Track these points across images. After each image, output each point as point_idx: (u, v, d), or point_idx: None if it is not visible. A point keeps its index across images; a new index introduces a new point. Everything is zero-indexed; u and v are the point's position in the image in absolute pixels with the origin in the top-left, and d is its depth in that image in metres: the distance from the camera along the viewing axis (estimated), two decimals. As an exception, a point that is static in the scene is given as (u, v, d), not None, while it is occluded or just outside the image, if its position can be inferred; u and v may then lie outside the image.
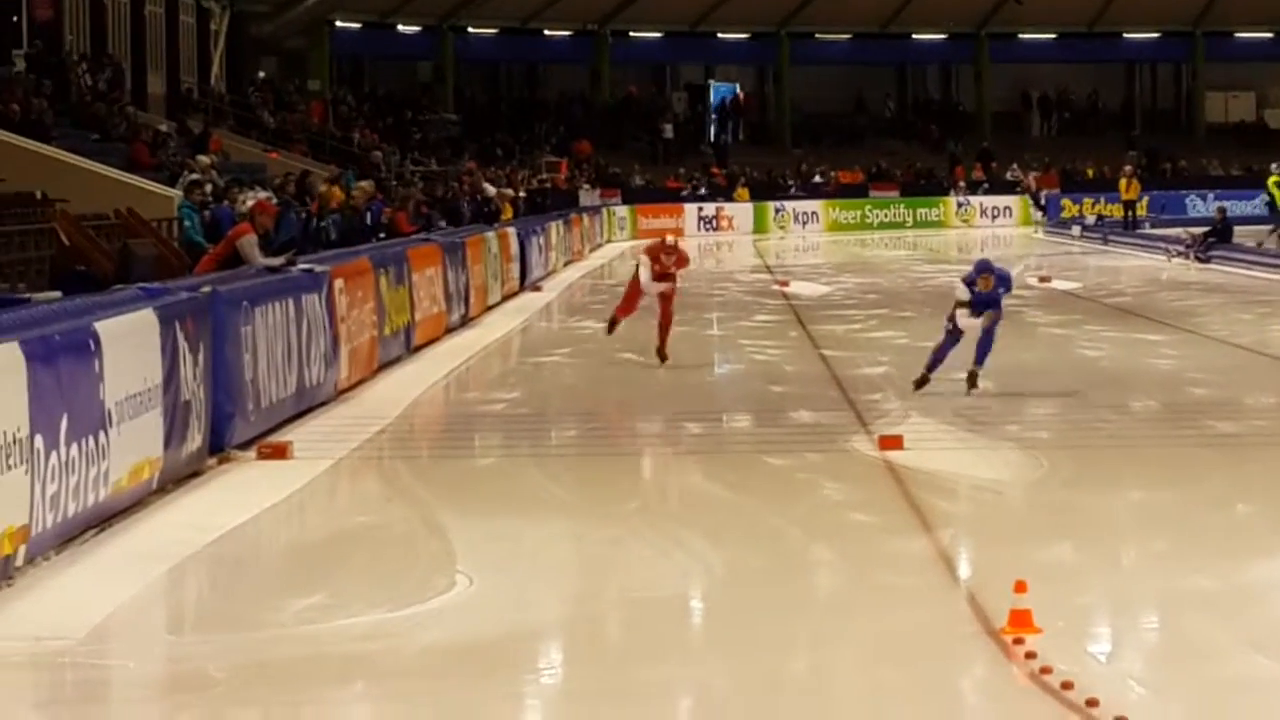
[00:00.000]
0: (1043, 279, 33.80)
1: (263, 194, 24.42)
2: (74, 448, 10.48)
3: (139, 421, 11.67)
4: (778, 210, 61.53)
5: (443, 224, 32.16)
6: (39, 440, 9.95)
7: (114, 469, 11.17)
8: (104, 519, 11.19)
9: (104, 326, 11.23)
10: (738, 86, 70.27)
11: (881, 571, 10.27)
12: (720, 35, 68.44)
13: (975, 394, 16.82)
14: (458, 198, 38.37)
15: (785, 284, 33.98)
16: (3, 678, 8.39)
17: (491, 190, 40.85)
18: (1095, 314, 27.11)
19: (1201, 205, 60.21)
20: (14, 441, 9.64)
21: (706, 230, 58.88)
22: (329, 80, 57.62)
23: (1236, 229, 41.96)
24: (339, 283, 17.81)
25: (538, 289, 33.77)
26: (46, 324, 10.65)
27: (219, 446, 13.74)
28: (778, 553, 10.82)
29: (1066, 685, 7.66)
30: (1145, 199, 57.44)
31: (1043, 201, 62.39)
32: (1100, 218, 57.60)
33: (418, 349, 21.98)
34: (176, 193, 27.26)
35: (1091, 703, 7.40)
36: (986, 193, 64.36)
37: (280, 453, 14.08)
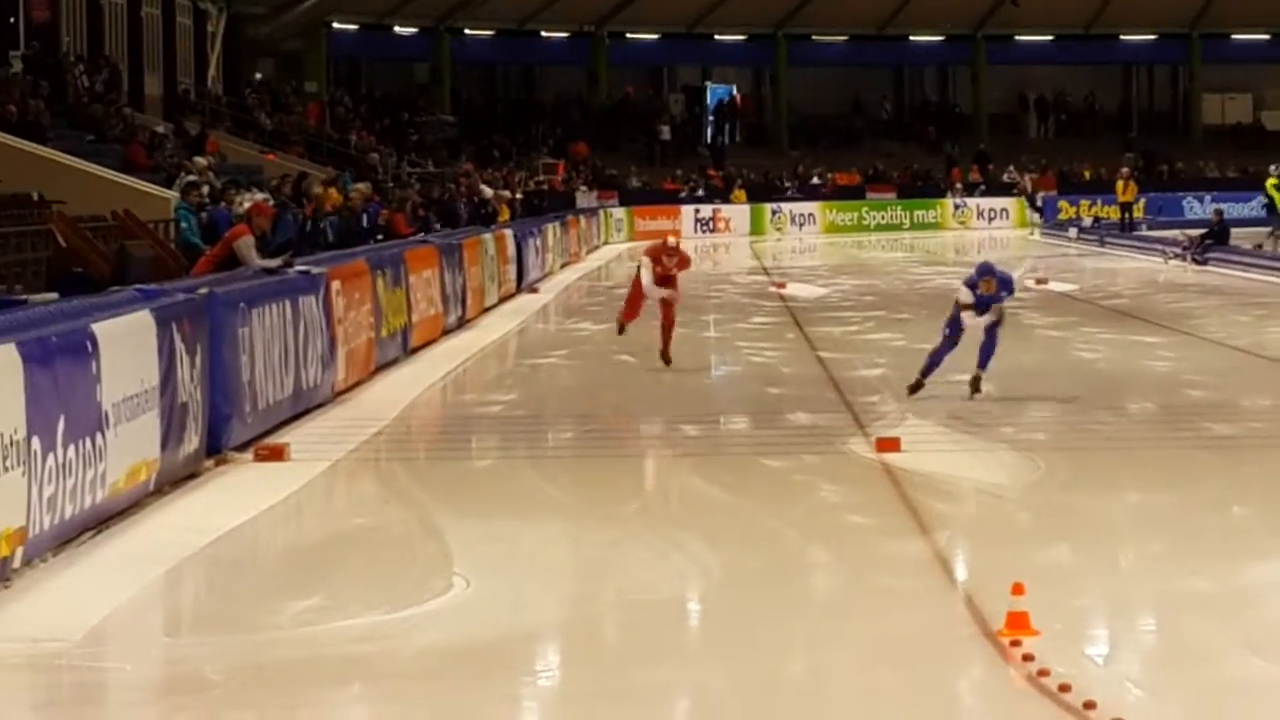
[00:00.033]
0: (1039, 281, 33.82)
1: (259, 196, 24.39)
2: (71, 450, 10.48)
3: (136, 423, 11.67)
4: (775, 212, 61.57)
5: (438, 225, 32.15)
6: (36, 442, 9.95)
7: (111, 471, 11.16)
8: (101, 521, 11.19)
9: (101, 328, 11.23)
10: (734, 88, 70.30)
11: (879, 573, 10.27)
12: (717, 37, 68.46)
13: (978, 398, 16.75)
14: (454, 199, 38.35)
15: (782, 286, 33.98)
16: (0, 679, 8.39)
17: (488, 192, 40.84)
18: (1092, 316, 27.12)
19: (1198, 207, 60.26)
20: (11, 443, 9.63)
21: (703, 232, 58.90)
22: (326, 82, 57.62)
23: (1234, 231, 41.99)
24: (336, 284, 17.81)
25: (535, 291, 33.77)
26: (43, 326, 10.64)
27: (216, 448, 13.74)
28: (775, 554, 10.82)
29: (1064, 687, 7.66)
30: (1142, 201, 57.46)
31: (1039, 203, 62.42)
32: (1097, 219, 57.62)
33: (415, 351, 21.98)
34: (173, 194, 27.24)
35: (1089, 705, 7.40)
36: (983, 195, 64.41)
37: (277, 454, 14.07)
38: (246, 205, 21.68)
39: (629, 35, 67.15)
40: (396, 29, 62.45)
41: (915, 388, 16.97)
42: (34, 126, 30.53)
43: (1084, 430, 15.53)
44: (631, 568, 10.56)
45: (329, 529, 12.24)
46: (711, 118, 69.43)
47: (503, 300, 30.66)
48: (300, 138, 47.26)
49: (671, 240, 21.02)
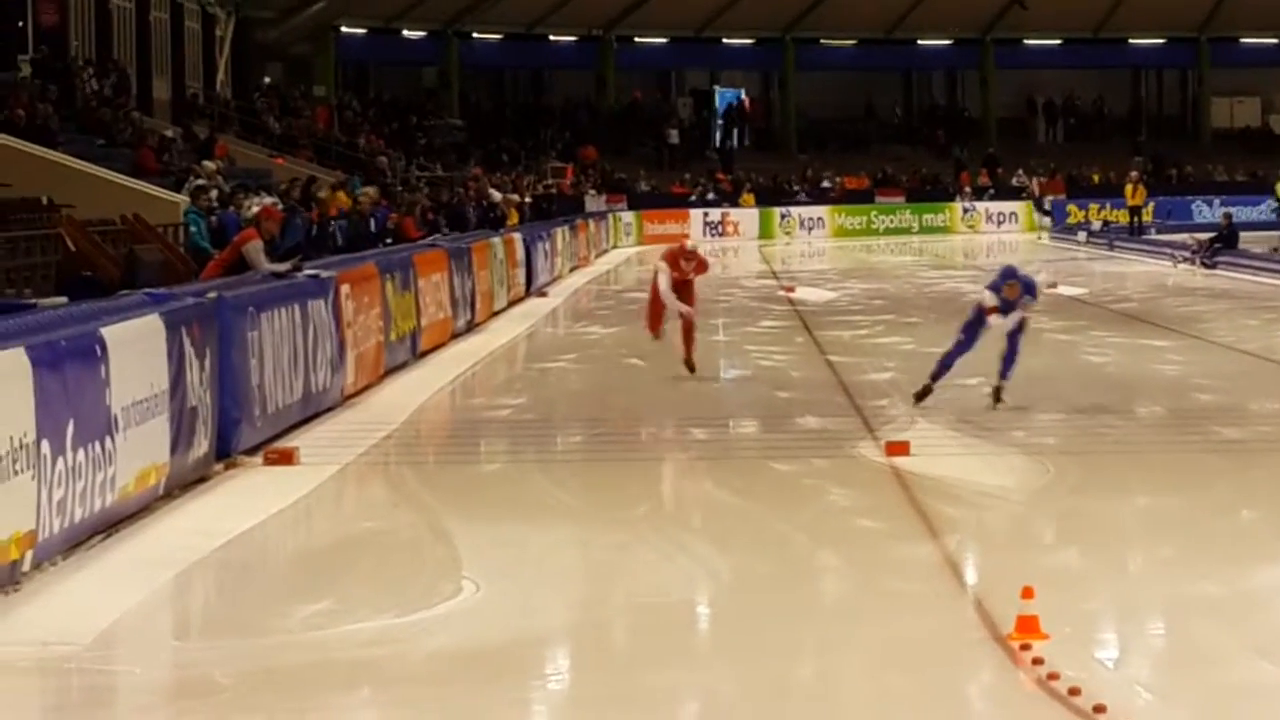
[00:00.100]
0: (1050, 285, 33.72)
1: (268, 199, 24.41)
2: (80, 453, 10.49)
3: (145, 427, 11.67)
4: (783, 216, 61.58)
5: (447, 229, 32.16)
6: (45, 446, 9.96)
7: (120, 474, 11.17)
8: (111, 524, 11.20)
9: (110, 332, 11.23)
10: (743, 92, 70.30)
11: (888, 577, 10.27)
12: (725, 41, 68.47)
13: (1001, 407, 16.54)
14: (463, 203, 38.39)
15: (791, 289, 33.98)
16: (9, 683, 8.40)
17: (497, 196, 40.85)
18: (1101, 319, 27.10)
19: (1207, 211, 60.19)
20: (20, 447, 9.64)
21: (712, 236, 58.90)
22: (334, 86, 57.68)
23: (1242, 234, 41.96)
24: (345, 288, 17.82)
25: (543, 295, 33.77)
26: (53, 330, 10.65)
27: (225, 452, 13.74)
28: (784, 558, 10.82)
29: (1074, 691, 7.66)
30: (1151, 204, 57.46)
31: (1048, 207, 62.40)
32: (1106, 223, 57.60)
33: (424, 354, 21.99)
34: (182, 198, 27.31)
35: (1099, 708, 7.40)
36: (992, 198, 64.38)
37: (287, 458, 14.08)
38: (255, 209, 21.69)
39: (637, 39, 67.18)
40: (405, 33, 62.50)
41: (922, 395, 16.70)
42: (43, 131, 30.58)
43: (1093, 434, 15.51)
44: (640, 571, 10.55)
45: (338, 533, 12.25)
46: (720, 121, 69.44)
47: (512, 304, 30.65)
48: (309, 141, 47.30)
49: (689, 244, 20.55)
